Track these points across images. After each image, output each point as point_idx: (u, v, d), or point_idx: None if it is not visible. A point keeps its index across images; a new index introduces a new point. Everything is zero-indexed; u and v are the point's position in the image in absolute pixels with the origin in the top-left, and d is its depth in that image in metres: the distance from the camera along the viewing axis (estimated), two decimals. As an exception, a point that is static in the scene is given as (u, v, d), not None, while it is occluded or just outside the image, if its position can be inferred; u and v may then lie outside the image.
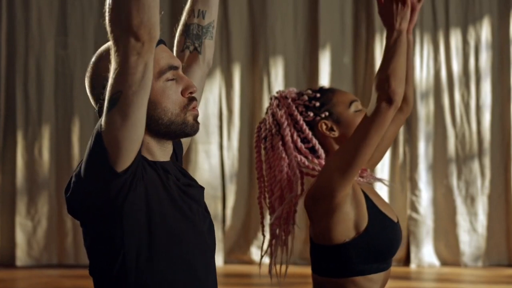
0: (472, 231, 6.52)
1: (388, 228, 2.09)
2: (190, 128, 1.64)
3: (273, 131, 2.18)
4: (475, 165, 6.55)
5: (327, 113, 2.15)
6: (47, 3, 6.74)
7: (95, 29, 6.77)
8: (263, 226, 2.25)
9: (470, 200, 6.54)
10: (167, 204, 1.59)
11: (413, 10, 2.07)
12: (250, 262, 6.60)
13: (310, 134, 2.14)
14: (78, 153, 6.72)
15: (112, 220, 1.54)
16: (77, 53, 6.73)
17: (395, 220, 2.14)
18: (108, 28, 1.50)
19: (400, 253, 6.51)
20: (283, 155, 2.14)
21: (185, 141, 1.84)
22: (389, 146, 2.33)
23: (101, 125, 1.52)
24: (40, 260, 6.69)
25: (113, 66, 1.49)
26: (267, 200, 2.21)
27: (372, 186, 2.26)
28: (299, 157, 2.14)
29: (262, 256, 2.23)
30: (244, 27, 6.77)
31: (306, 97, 2.18)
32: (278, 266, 2.24)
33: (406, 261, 6.54)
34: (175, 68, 1.64)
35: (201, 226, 1.64)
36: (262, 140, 2.22)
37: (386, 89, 1.95)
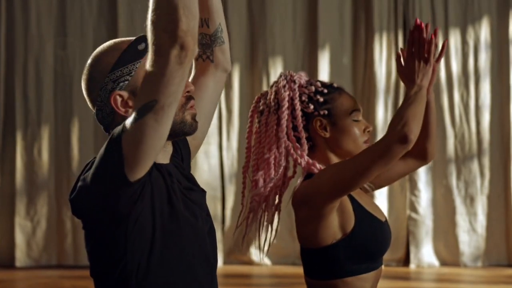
0: (471, 231, 6.52)
1: (375, 228, 2.09)
2: (189, 127, 1.64)
3: (272, 109, 2.16)
4: (475, 165, 6.55)
5: (326, 112, 2.14)
6: (46, 4, 6.74)
7: (94, 29, 6.77)
8: (243, 196, 2.22)
9: (470, 200, 6.54)
10: (171, 209, 1.58)
11: (433, 70, 2.07)
12: (250, 262, 6.60)
13: (301, 126, 2.13)
14: (77, 153, 6.72)
15: (116, 226, 1.53)
16: (76, 53, 6.73)
17: (383, 220, 2.13)
18: (152, 36, 1.47)
19: (399, 253, 6.51)
20: (274, 136, 2.14)
21: (194, 144, 1.83)
22: (392, 182, 2.32)
23: (122, 131, 1.49)
24: (39, 261, 6.69)
25: (149, 74, 1.46)
26: (251, 175, 2.20)
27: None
28: (287, 142, 2.13)
29: (237, 226, 2.21)
30: (243, 27, 6.77)
31: (313, 88, 2.16)
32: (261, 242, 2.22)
33: (406, 261, 6.53)
34: None
35: (203, 231, 1.64)
36: (258, 112, 2.21)
37: (403, 126, 1.93)
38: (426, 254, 6.52)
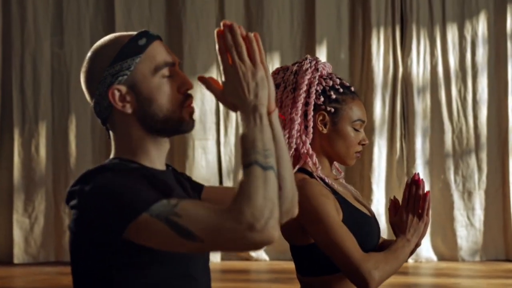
0: (469, 226, 6.53)
1: (363, 222, 2.09)
2: (186, 125, 1.62)
3: (289, 87, 2.16)
4: (472, 160, 6.56)
5: (333, 110, 2.13)
6: (43, 1, 6.73)
7: (91, 26, 6.76)
8: None
9: (467, 194, 6.55)
10: None
11: (425, 225, 2.10)
12: (248, 258, 6.60)
13: (311, 114, 2.13)
14: (74, 150, 6.72)
15: (101, 252, 1.50)
16: (73, 50, 6.73)
17: (370, 215, 2.14)
18: (242, 199, 1.42)
19: (397, 248, 6.52)
20: (288, 116, 2.13)
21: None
22: None
23: (146, 209, 1.43)
24: (37, 257, 6.69)
25: (215, 220, 1.41)
26: None
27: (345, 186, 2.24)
28: (297, 126, 2.13)
29: None
30: (240, 22, 6.76)
31: (330, 83, 2.15)
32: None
33: (404, 256, 6.54)
34: (171, 64, 1.62)
35: (196, 256, 1.60)
36: (274, 85, 2.20)
37: (378, 276, 1.97)
38: (424, 249, 6.53)
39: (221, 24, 1.53)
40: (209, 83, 1.56)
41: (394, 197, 2.14)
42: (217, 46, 1.53)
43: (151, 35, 1.62)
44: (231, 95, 1.51)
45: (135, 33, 1.62)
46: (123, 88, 1.58)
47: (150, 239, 1.45)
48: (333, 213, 2.02)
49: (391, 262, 2.01)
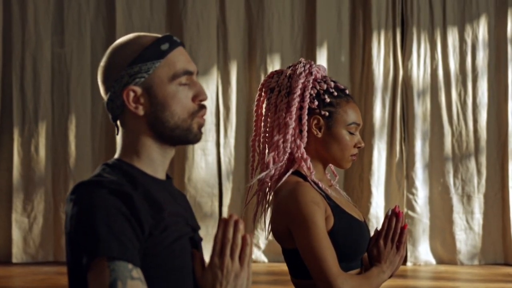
0: (468, 230, 6.53)
1: (353, 227, 2.09)
2: (193, 137, 1.62)
3: (283, 91, 2.15)
4: (472, 164, 6.56)
5: (327, 113, 2.12)
6: (44, 1, 6.73)
7: (92, 26, 6.76)
8: (253, 169, 2.21)
9: (467, 198, 6.55)
10: (157, 263, 1.54)
11: (400, 258, 2.13)
12: (247, 259, 6.60)
13: (306, 118, 2.13)
14: (74, 150, 6.72)
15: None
16: (73, 50, 6.73)
17: (361, 220, 2.14)
18: None
19: (396, 251, 6.52)
20: (283, 120, 2.12)
21: None
22: None
23: (109, 265, 1.45)
24: (36, 257, 6.69)
25: None
26: (260, 152, 2.19)
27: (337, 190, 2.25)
28: (291, 130, 2.13)
29: (247, 203, 2.20)
30: (241, 25, 6.77)
31: (325, 86, 2.14)
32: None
33: (402, 259, 6.54)
34: (190, 73, 1.62)
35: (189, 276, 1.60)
36: (268, 89, 2.20)
37: None
38: (423, 252, 6.53)
39: (228, 214, 1.56)
40: (196, 259, 1.58)
41: (381, 228, 2.14)
42: (215, 231, 1.55)
43: (175, 41, 1.62)
44: (207, 284, 1.53)
45: (159, 35, 1.62)
46: (139, 90, 1.58)
47: (91, 278, 1.45)
48: (321, 222, 2.02)
49: (365, 284, 2.03)
